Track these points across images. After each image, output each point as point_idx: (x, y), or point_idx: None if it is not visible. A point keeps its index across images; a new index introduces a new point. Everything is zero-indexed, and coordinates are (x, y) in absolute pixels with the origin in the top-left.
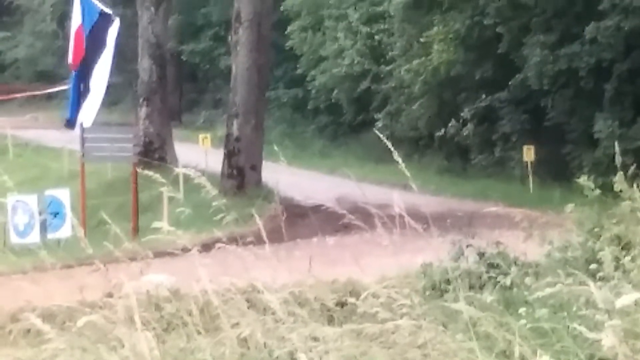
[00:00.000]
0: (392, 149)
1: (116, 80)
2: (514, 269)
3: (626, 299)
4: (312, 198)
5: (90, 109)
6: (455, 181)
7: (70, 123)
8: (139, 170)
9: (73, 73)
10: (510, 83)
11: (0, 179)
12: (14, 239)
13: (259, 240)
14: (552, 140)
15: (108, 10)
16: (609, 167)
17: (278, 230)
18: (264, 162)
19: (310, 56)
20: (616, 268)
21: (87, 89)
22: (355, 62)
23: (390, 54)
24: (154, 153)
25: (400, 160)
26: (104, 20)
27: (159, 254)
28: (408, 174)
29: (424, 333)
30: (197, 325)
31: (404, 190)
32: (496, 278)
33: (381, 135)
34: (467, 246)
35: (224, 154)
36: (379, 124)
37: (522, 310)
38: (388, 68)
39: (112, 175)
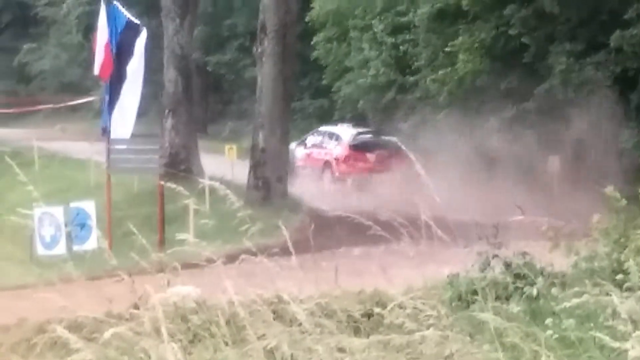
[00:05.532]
0: (415, 160)
1: (142, 92)
2: (540, 279)
3: None
4: (338, 208)
5: (126, 121)
6: (480, 190)
7: (106, 131)
8: (164, 182)
9: (107, 83)
10: (535, 92)
11: (26, 191)
12: (40, 250)
13: (284, 252)
14: (578, 149)
15: (136, 21)
16: (636, 176)
17: (304, 241)
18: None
19: (336, 67)
20: None
21: (115, 99)
22: (381, 72)
23: (415, 64)
24: (180, 164)
25: (423, 172)
26: (131, 30)
27: (185, 266)
28: (431, 185)
29: (451, 344)
30: (224, 337)
31: (430, 200)
32: (523, 288)
33: (403, 147)
34: (494, 256)
35: (250, 165)
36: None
37: (548, 320)
38: (413, 78)
39: (138, 187)
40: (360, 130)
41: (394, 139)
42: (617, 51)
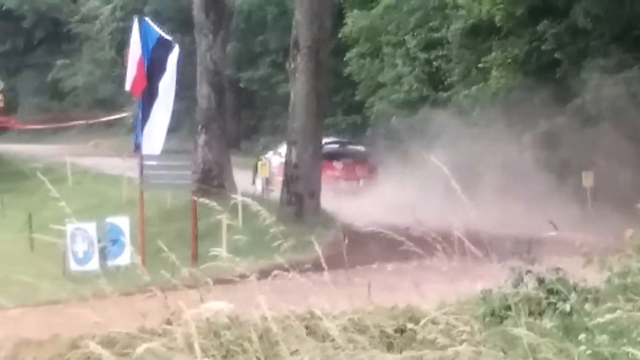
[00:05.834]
0: (450, 176)
1: (174, 107)
2: (573, 295)
3: None
4: (371, 224)
5: (157, 137)
6: (513, 206)
7: (138, 147)
8: (197, 197)
9: (140, 99)
10: (568, 107)
11: (59, 207)
12: (73, 266)
13: (317, 267)
14: (612, 165)
15: (168, 37)
16: None
17: (336, 257)
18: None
19: (369, 83)
20: None
21: (147, 115)
22: (414, 88)
23: (448, 80)
24: (213, 180)
25: (457, 187)
26: (162, 46)
27: (217, 281)
28: (466, 202)
29: (484, 359)
30: (256, 352)
31: (462, 215)
32: (556, 304)
33: (437, 162)
34: (527, 272)
35: (283, 180)
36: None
37: (582, 336)
38: (446, 94)
39: (171, 203)
40: (329, 140)
41: (361, 148)
42: None
